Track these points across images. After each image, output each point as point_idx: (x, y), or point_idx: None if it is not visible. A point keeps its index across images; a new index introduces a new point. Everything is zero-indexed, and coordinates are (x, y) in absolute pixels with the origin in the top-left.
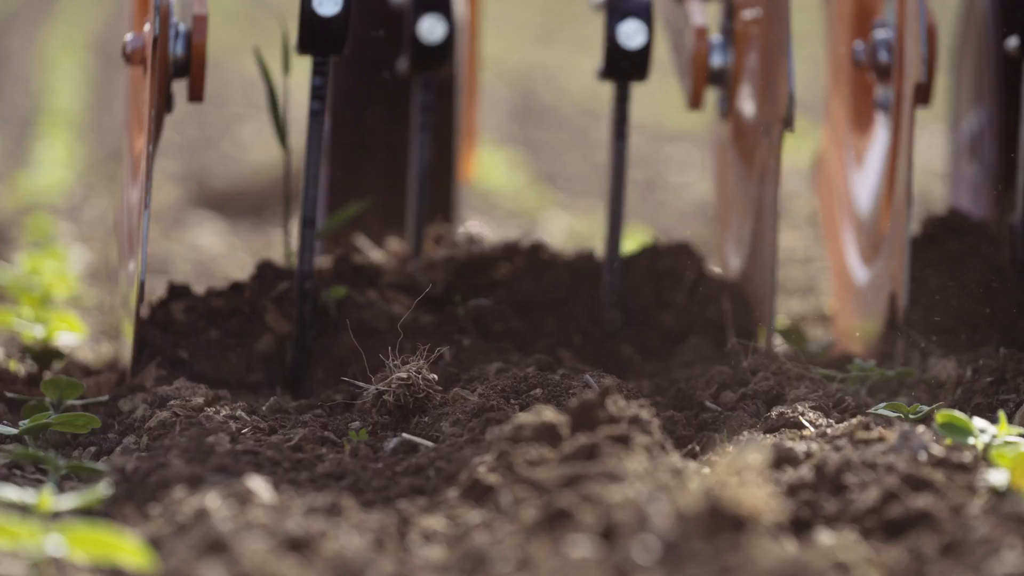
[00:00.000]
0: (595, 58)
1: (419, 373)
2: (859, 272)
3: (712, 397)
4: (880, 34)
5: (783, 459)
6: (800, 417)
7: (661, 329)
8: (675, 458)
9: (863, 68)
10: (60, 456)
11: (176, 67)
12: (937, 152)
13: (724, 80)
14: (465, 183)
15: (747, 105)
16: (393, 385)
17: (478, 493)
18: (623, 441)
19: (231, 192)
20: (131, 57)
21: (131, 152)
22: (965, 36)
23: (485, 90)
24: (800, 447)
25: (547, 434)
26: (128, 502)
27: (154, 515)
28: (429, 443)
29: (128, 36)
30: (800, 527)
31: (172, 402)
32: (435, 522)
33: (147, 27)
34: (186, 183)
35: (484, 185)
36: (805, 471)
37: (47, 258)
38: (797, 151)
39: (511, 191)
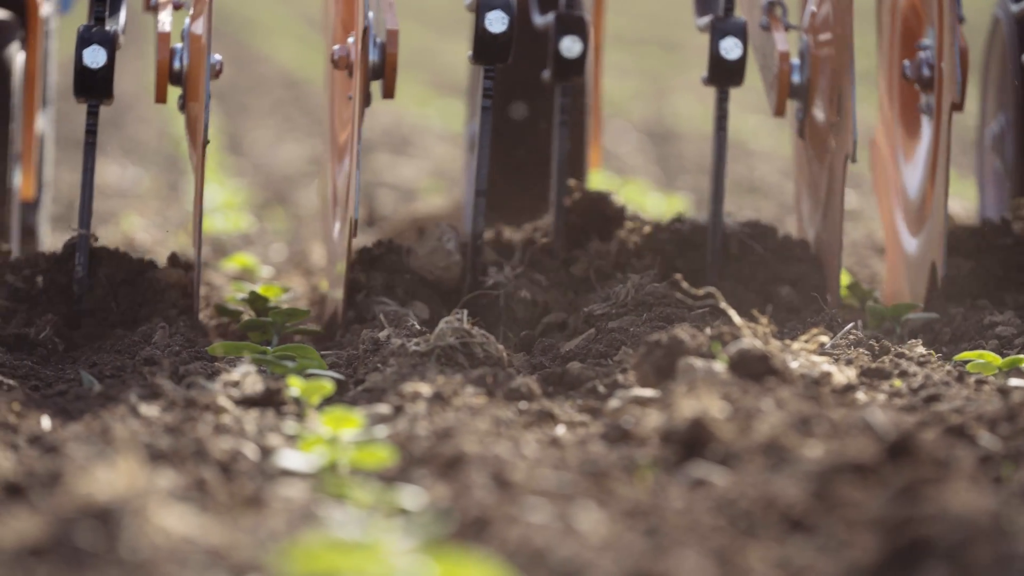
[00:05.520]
0: (706, 103)
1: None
2: (908, 243)
3: (986, 430)
4: (923, 54)
5: None
6: None
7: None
8: (994, 495)
9: (910, 81)
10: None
11: (373, 71)
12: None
13: (802, 93)
14: (593, 168)
15: (819, 113)
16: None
17: (795, 528)
18: (941, 477)
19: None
20: (337, 63)
21: (335, 143)
22: (990, 53)
23: (619, 135)
24: None
25: (862, 468)
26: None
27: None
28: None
29: (335, 47)
30: None
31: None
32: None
33: (350, 40)
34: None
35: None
36: None
37: (268, 293)
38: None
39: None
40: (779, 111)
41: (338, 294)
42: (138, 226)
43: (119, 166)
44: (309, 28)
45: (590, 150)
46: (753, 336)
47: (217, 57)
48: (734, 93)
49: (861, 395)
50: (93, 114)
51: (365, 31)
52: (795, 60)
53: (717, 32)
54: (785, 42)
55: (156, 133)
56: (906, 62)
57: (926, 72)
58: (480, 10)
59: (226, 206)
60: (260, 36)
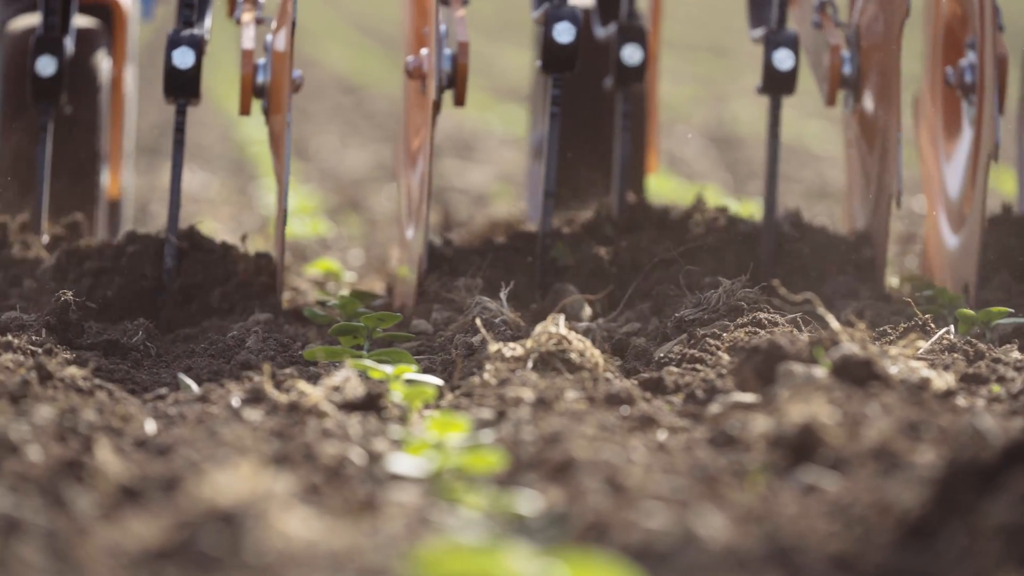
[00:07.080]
0: (765, 108)
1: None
2: (949, 239)
3: None
4: (965, 62)
5: None
6: None
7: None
8: None
9: (952, 87)
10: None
11: (446, 80)
12: None
13: (852, 84)
14: (651, 173)
15: (868, 102)
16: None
17: (913, 534)
18: None
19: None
20: (411, 73)
21: (407, 149)
22: None
23: (683, 140)
24: None
25: (979, 473)
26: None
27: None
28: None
29: (409, 58)
30: None
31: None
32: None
33: (423, 51)
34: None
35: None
36: None
37: (354, 301)
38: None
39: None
40: (831, 101)
41: (409, 300)
42: (214, 230)
43: (187, 170)
44: (360, 34)
45: (647, 155)
46: (851, 341)
47: (298, 72)
48: (799, 98)
49: (961, 400)
50: (181, 113)
51: (438, 42)
52: (845, 53)
53: (771, 44)
54: (836, 36)
55: (219, 138)
56: (949, 69)
57: (968, 78)
58: (548, 21)
59: (300, 211)
60: (309, 41)
